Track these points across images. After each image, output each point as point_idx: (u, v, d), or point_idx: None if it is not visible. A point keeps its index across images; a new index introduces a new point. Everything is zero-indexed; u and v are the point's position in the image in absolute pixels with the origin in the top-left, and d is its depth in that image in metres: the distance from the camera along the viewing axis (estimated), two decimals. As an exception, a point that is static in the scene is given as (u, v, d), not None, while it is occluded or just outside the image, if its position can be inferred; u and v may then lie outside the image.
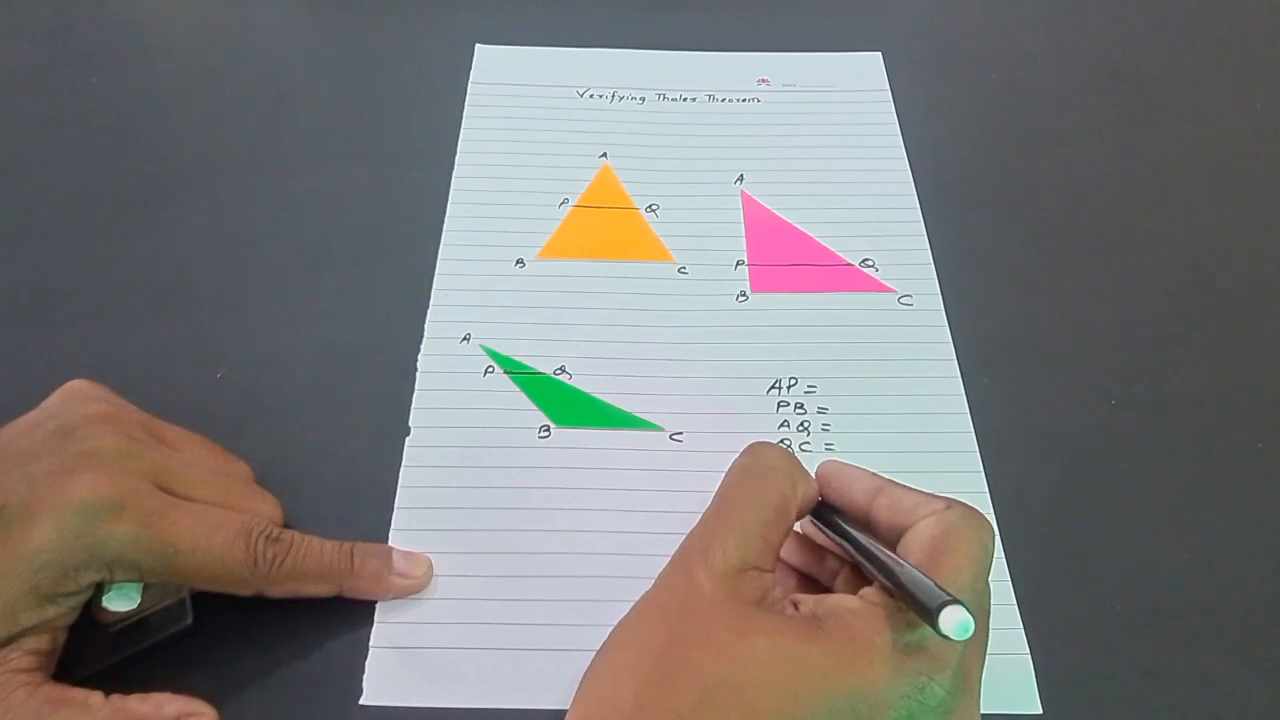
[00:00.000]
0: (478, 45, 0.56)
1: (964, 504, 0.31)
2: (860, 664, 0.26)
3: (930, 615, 0.26)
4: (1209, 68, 0.57)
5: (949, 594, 0.26)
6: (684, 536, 0.37)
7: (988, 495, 0.39)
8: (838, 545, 0.32)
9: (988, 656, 0.35)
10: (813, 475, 0.33)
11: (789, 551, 0.35)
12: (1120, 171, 0.51)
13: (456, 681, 0.34)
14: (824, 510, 0.33)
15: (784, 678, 0.26)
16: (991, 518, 0.38)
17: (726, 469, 0.32)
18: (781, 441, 0.40)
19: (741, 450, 0.33)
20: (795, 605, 0.29)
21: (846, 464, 0.34)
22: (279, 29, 0.58)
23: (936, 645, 0.27)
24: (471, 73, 0.55)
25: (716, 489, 0.32)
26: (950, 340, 0.44)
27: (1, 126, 0.51)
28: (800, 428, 0.41)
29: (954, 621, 0.25)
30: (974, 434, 0.40)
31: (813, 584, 0.34)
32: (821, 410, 0.41)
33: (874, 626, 0.27)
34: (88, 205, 0.48)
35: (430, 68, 0.55)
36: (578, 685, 0.29)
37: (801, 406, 0.41)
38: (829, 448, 0.40)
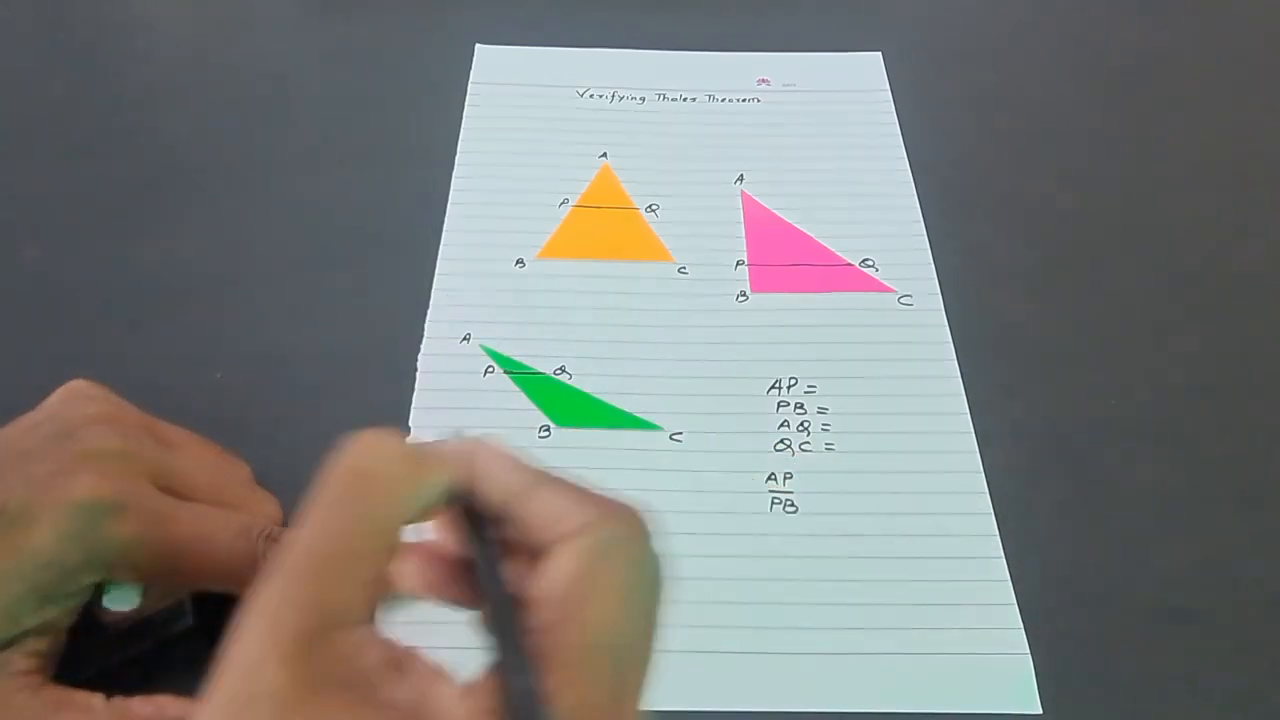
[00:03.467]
0: (478, 45, 0.56)
1: (615, 518, 0.24)
2: None
3: None
4: (1209, 68, 0.57)
5: None
6: (686, 537, 0.37)
7: (988, 495, 0.39)
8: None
9: (988, 656, 0.35)
10: (448, 461, 0.25)
11: (424, 575, 0.26)
12: (1120, 171, 0.51)
13: (457, 682, 0.34)
14: (468, 515, 0.25)
15: None
16: (991, 518, 0.38)
17: (326, 473, 0.23)
18: (781, 442, 0.40)
19: (346, 447, 0.24)
20: (398, 664, 0.22)
21: (496, 450, 0.25)
22: (279, 29, 0.58)
23: None
24: (471, 73, 0.55)
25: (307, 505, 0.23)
26: (950, 340, 0.44)
27: (2, 126, 0.51)
28: (800, 428, 0.41)
29: None
30: (974, 434, 0.40)
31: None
32: (821, 410, 0.41)
33: None
34: (88, 205, 0.48)
35: (430, 68, 0.55)
36: None
37: (801, 406, 0.41)
38: (829, 448, 0.40)
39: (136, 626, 0.33)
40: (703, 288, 0.45)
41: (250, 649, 0.21)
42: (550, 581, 0.23)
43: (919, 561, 0.37)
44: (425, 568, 0.25)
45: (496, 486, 0.25)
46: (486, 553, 0.24)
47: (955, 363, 0.43)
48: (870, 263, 0.46)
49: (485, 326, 0.43)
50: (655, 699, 0.34)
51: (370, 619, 0.22)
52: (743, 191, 0.49)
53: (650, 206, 0.49)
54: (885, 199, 0.49)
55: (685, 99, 0.54)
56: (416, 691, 0.22)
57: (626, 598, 0.23)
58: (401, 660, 0.22)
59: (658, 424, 0.41)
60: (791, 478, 0.39)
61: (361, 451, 0.24)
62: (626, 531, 0.24)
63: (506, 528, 0.25)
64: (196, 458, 0.35)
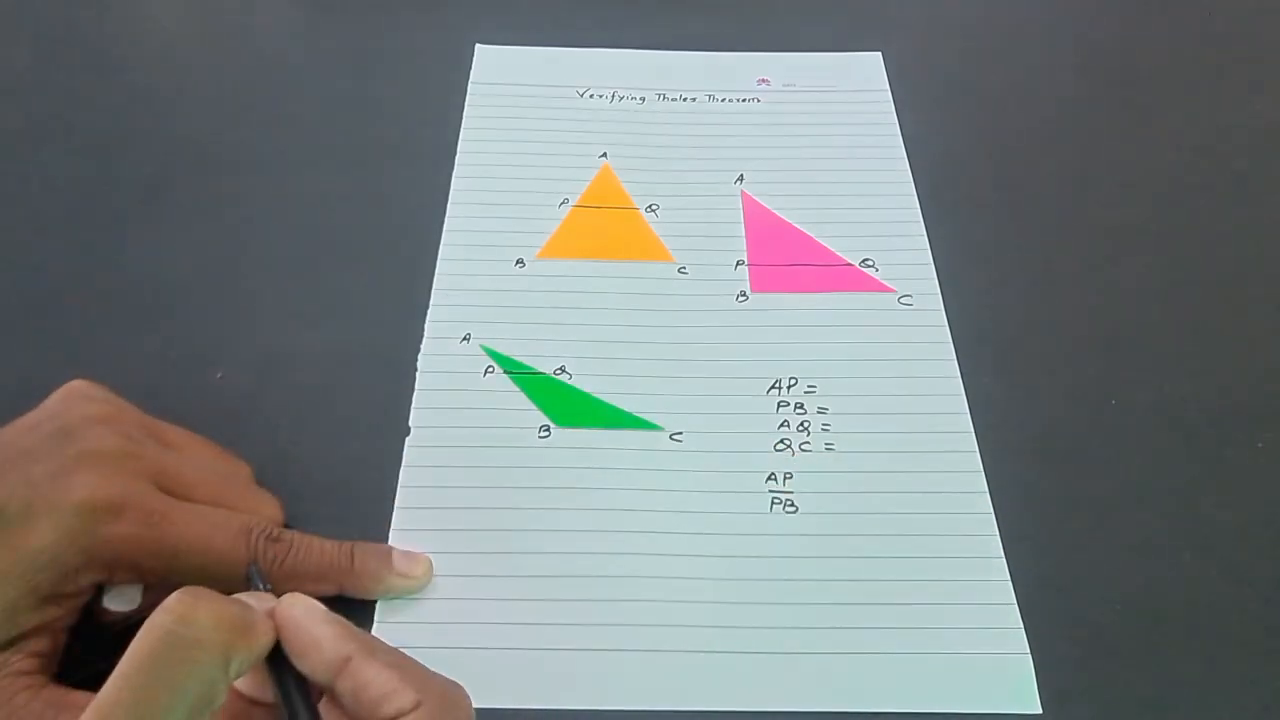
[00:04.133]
0: (478, 45, 0.56)
1: (443, 697, 0.25)
2: None
3: None
4: (1209, 68, 0.57)
5: None
6: (686, 537, 0.37)
7: (988, 495, 0.39)
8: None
9: (988, 656, 0.35)
10: (264, 622, 0.25)
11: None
12: (1120, 171, 0.51)
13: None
14: (281, 670, 0.25)
15: None
16: (991, 518, 0.38)
17: (140, 639, 0.23)
18: (781, 442, 0.40)
19: (162, 609, 0.23)
20: None
21: (316, 614, 0.26)
22: (279, 29, 0.58)
23: None
24: (471, 73, 0.55)
25: (120, 664, 0.23)
26: (950, 340, 0.44)
27: (2, 126, 0.51)
28: (800, 428, 0.41)
29: None
30: (974, 434, 0.40)
31: None
32: (821, 410, 0.41)
33: None
34: (87, 205, 0.48)
35: (430, 68, 0.55)
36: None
37: (801, 406, 0.41)
38: (829, 448, 0.40)
39: (136, 626, 0.33)
40: (703, 288, 0.45)
41: None
42: None
43: (919, 561, 0.37)
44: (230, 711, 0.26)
45: (322, 658, 0.25)
46: (297, 712, 0.25)
47: (955, 363, 0.43)
48: (870, 263, 0.46)
49: (485, 326, 0.43)
50: (655, 699, 0.34)
51: None
52: (743, 191, 0.49)
53: (650, 206, 0.49)
54: (885, 199, 0.49)
55: (685, 99, 0.54)
56: None
57: None
58: None
59: (658, 424, 0.41)
60: (791, 478, 0.39)
61: (184, 615, 0.23)
62: (446, 714, 0.25)
63: (327, 693, 0.25)
64: (196, 458, 0.35)
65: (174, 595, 0.24)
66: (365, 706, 0.25)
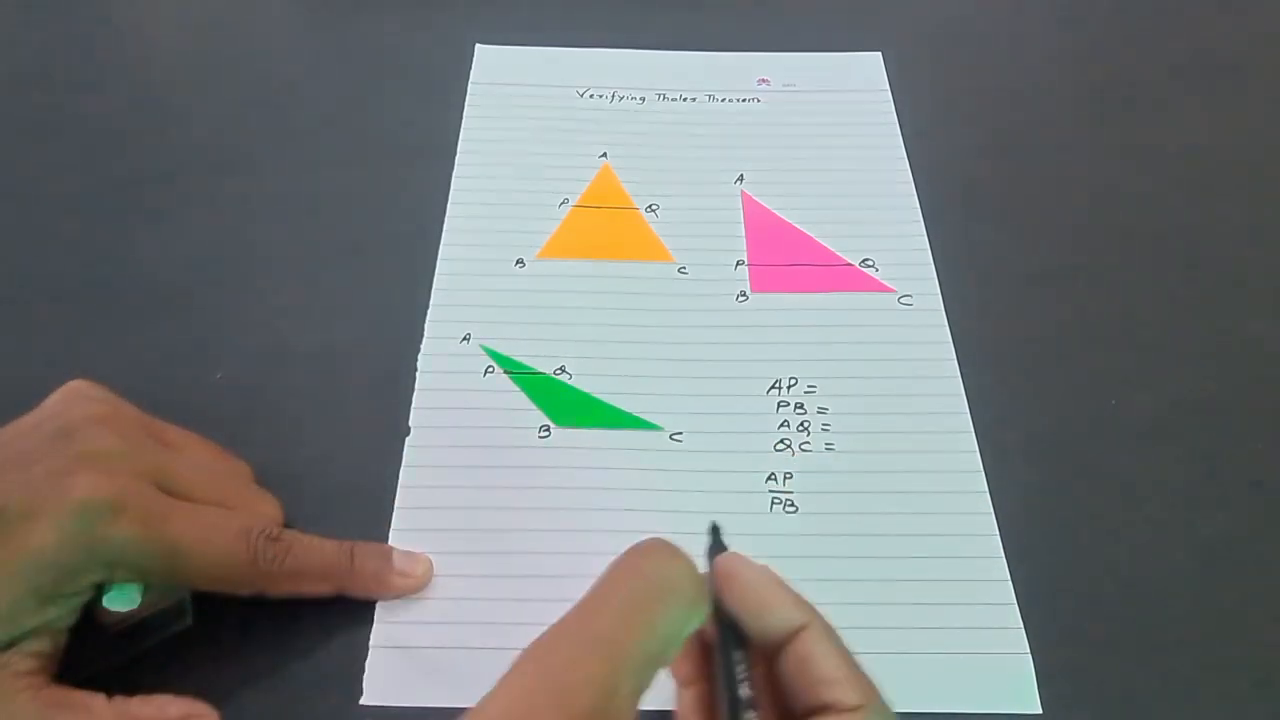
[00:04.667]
0: (478, 45, 0.56)
1: (881, 708, 0.25)
2: None
3: None
4: (1210, 68, 0.57)
5: None
6: (686, 537, 0.37)
7: (988, 495, 0.39)
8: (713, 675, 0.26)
9: (988, 656, 0.35)
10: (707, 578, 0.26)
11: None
12: (1120, 171, 0.51)
13: (456, 681, 0.34)
14: (721, 627, 0.26)
15: None
16: (991, 518, 0.38)
17: (614, 563, 0.25)
18: (781, 442, 0.40)
19: (632, 548, 0.25)
20: None
21: (773, 579, 0.27)
22: (279, 29, 0.58)
23: None
24: (471, 73, 0.55)
25: (596, 582, 0.25)
26: (950, 340, 0.44)
27: (2, 126, 0.51)
28: (800, 428, 0.41)
29: None
30: (974, 434, 0.40)
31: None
32: (821, 410, 0.41)
33: None
34: (88, 205, 0.48)
35: (430, 68, 0.55)
36: None
37: (801, 406, 0.41)
38: (829, 448, 0.40)
39: (136, 626, 0.33)
40: (703, 288, 0.45)
41: (536, 707, 0.22)
42: None
43: (919, 561, 0.37)
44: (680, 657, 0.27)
45: (777, 618, 0.26)
46: (732, 665, 0.25)
47: (955, 363, 0.43)
48: (870, 263, 0.46)
49: (485, 326, 0.43)
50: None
51: (635, 708, 0.23)
52: (743, 191, 0.49)
53: (650, 206, 0.49)
54: (885, 199, 0.49)
55: (685, 99, 0.54)
56: None
57: None
58: None
59: (658, 424, 0.41)
60: (791, 478, 0.39)
61: (659, 560, 0.25)
62: None
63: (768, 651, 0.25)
64: (196, 458, 0.35)
65: (649, 541, 0.25)
66: (805, 682, 0.25)
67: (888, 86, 0.55)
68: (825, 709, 0.24)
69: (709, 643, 0.27)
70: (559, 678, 0.22)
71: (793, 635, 0.25)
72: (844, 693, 0.24)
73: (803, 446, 0.40)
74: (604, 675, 0.22)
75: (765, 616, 0.26)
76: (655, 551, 0.25)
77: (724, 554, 0.27)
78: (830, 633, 0.26)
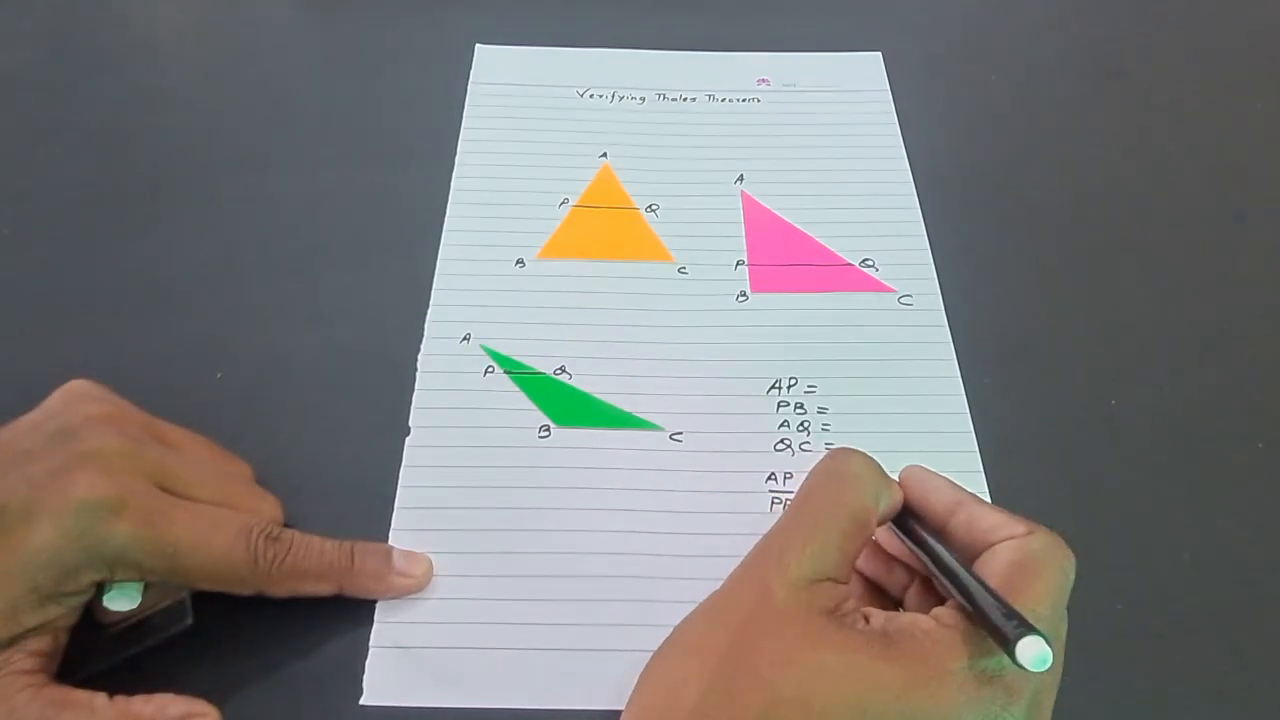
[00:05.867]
0: (478, 45, 0.56)
1: (1046, 531, 0.30)
2: (933, 688, 0.26)
3: (1008, 644, 0.25)
4: (1209, 68, 0.57)
5: (1029, 624, 0.25)
6: (686, 537, 0.37)
7: (988, 495, 0.39)
8: (914, 556, 0.31)
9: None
10: (896, 482, 0.32)
11: (860, 559, 0.33)
12: (1120, 171, 0.51)
13: (456, 681, 0.34)
14: (904, 518, 0.32)
15: (853, 695, 0.26)
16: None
17: (813, 470, 0.31)
18: (781, 442, 0.40)
19: (826, 455, 0.32)
20: (866, 619, 0.28)
21: (930, 472, 0.33)
22: (279, 29, 0.58)
23: (1012, 675, 0.26)
24: (471, 73, 0.55)
25: (797, 492, 0.31)
26: (950, 340, 0.44)
27: (2, 126, 0.51)
28: (800, 428, 0.41)
29: (1032, 653, 0.25)
30: (974, 434, 0.40)
31: (879, 594, 0.34)
32: (821, 410, 0.41)
33: (950, 651, 0.26)
34: (88, 205, 0.48)
35: (430, 68, 0.55)
36: (635, 686, 0.28)
37: (801, 406, 0.41)
38: (829, 447, 0.40)
39: (136, 626, 0.33)
40: (703, 288, 0.45)
41: (764, 574, 0.28)
42: (996, 563, 0.29)
43: (919, 561, 0.37)
44: (873, 555, 0.33)
45: (939, 499, 0.31)
46: (933, 538, 0.30)
47: (955, 363, 0.43)
48: (870, 263, 0.46)
49: (485, 326, 0.43)
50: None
51: (846, 580, 0.29)
52: (743, 191, 0.50)
53: (650, 206, 0.49)
54: (885, 199, 0.49)
55: (685, 99, 0.54)
56: (886, 618, 0.28)
57: (1055, 587, 0.28)
58: (869, 611, 0.28)
59: (658, 424, 0.41)
60: (791, 478, 0.39)
61: (844, 458, 0.31)
62: (1053, 542, 0.29)
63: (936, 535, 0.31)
64: (196, 458, 0.35)
65: (831, 450, 0.32)
66: (977, 535, 0.30)
67: (888, 86, 0.55)
68: (1000, 544, 0.29)
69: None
70: (774, 552, 0.29)
71: (956, 507, 0.31)
72: (1013, 528, 0.29)
73: (803, 446, 0.40)
74: (811, 549, 0.28)
75: (931, 498, 0.31)
76: (835, 454, 0.31)
77: (906, 466, 0.33)
78: (983, 501, 0.31)
